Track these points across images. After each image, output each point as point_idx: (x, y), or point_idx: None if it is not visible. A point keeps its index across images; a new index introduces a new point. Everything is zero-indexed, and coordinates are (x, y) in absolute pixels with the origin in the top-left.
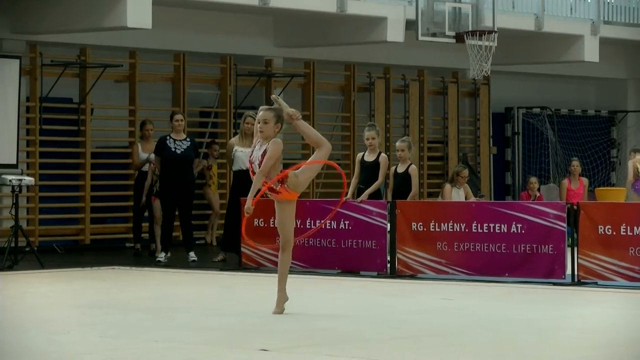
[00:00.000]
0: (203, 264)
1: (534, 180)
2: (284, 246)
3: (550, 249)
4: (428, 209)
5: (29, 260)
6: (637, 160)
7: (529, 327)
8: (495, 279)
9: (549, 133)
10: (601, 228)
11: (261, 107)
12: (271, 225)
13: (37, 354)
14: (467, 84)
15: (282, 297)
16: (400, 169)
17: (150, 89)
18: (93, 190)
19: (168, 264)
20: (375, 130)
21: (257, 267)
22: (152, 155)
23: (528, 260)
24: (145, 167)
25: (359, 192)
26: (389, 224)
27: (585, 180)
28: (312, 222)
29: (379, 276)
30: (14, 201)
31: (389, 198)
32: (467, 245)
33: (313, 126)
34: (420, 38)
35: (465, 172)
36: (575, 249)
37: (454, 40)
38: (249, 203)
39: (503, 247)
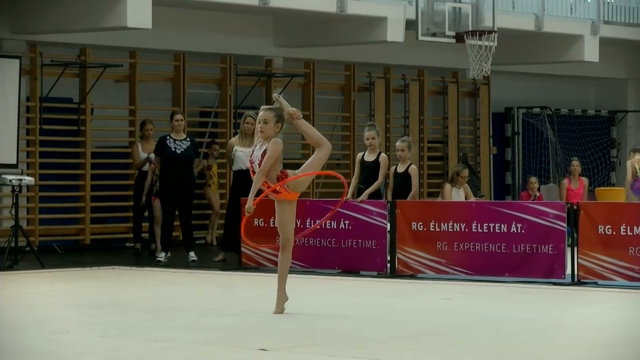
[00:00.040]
0: (203, 264)
1: (534, 180)
2: (284, 246)
3: (550, 248)
4: (428, 208)
5: (29, 260)
6: (635, 160)
7: (529, 327)
8: (495, 278)
9: (549, 133)
10: (601, 228)
11: (262, 107)
12: (271, 225)
13: (37, 354)
14: (467, 83)
15: (282, 297)
16: (400, 168)
17: (150, 89)
18: (93, 190)
19: (168, 264)
20: (375, 130)
21: (257, 267)
22: (152, 155)
23: (528, 260)
24: (145, 167)
25: (359, 192)
26: (389, 224)
27: (585, 180)
28: (312, 222)
29: (379, 276)
30: (14, 201)
31: (389, 198)
32: (467, 245)
33: (313, 126)
34: (420, 38)
35: (465, 172)
36: (575, 248)
37: (454, 40)
38: (249, 203)
39: (503, 247)
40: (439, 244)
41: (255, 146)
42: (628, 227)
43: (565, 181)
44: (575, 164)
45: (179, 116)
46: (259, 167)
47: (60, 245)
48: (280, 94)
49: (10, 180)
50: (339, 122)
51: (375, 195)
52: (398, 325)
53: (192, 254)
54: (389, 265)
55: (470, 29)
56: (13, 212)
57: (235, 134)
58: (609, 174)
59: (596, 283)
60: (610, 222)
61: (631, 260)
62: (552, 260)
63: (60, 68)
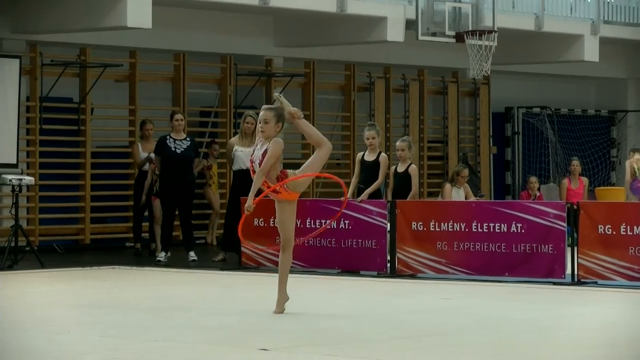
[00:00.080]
0: (203, 264)
1: (534, 179)
2: (285, 246)
3: (550, 248)
4: (428, 208)
5: (29, 260)
6: (634, 160)
7: (529, 327)
8: (495, 278)
9: (549, 133)
10: (601, 228)
11: (263, 107)
12: (271, 225)
13: (37, 354)
14: (467, 83)
15: (283, 297)
16: (400, 168)
17: (150, 89)
18: (93, 190)
19: (168, 264)
20: (375, 129)
21: (257, 267)
22: (153, 155)
23: (528, 259)
24: (146, 167)
25: (359, 191)
26: (389, 224)
27: (585, 180)
28: (312, 221)
29: (379, 276)
30: (14, 201)
31: (389, 198)
32: (467, 244)
33: (313, 126)
34: (420, 38)
35: (465, 171)
36: (575, 248)
37: (454, 40)
38: (249, 201)
39: (503, 247)
40: (439, 244)
41: (256, 146)
42: (628, 227)
43: (565, 181)
44: (575, 164)
45: (179, 116)
46: (259, 166)
47: (60, 245)
48: (280, 93)
49: (10, 180)
50: (339, 121)
51: (375, 195)
52: (398, 325)
53: (192, 253)
54: (389, 265)
55: (470, 28)
56: (13, 211)
57: (235, 133)
58: (609, 174)
59: (596, 283)
60: (611, 221)
61: (631, 260)
62: (552, 260)
63: (60, 68)
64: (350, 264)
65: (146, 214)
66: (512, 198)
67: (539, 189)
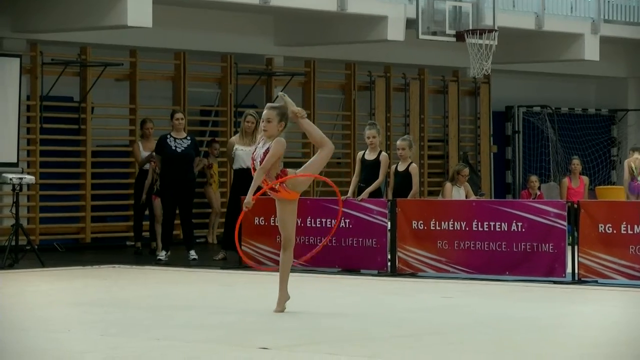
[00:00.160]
0: (203, 263)
1: (534, 178)
2: (285, 245)
3: (550, 247)
4: (428, 207)
5: (30, 259)
6: (632, 159)
7: (530, 325)
8: (496, 277)
9: (550, 131)
10: (601, 226)
11: (267, 105)
12: (271, 224)
13: (38, 353)
14: (468, 82)
15: (283, 296)
16: (401, 167)
17: (150, 88)
18: (93, 189)
19: (168, 263)
20: (375, 128)
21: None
22: (153, 153)
23: (528, 258)
24: (146, 166)
25: (359, 190)
26: (389, 223)
27: (585, 179)
28: (313, 220)
29: (379, 274)
30: (15, 200)
31: (390, 196)
32: (467, 243)
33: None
34: (421, 37)
35: (466, 170)
36: (576, 247)
37: (454, 39)
38: (249, 198)
39: (503, 246)
40: (439, 243)
41: (258, 144)
42: (628, 226)
43: (566, 180)
44: (576, 163)
45: (179, 115)
46: (260, 164)
47: (60, 243)
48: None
49: (10, 179)
50: (340, 120)
51: (376, 194)
52: (398, 323)
53: (192, 252)
54: (389, 263)
55: (470, 27)
56: (13, 210)
57: (235, 132)
58: (609, 173)
59: (596, 282)
60: (611, 220)
61: (631, 258)
62: (553, 258)
63: (61, 67)
64: (350, 262)
65: (147, 212)
66: (513, 197)
67: (539, 188)
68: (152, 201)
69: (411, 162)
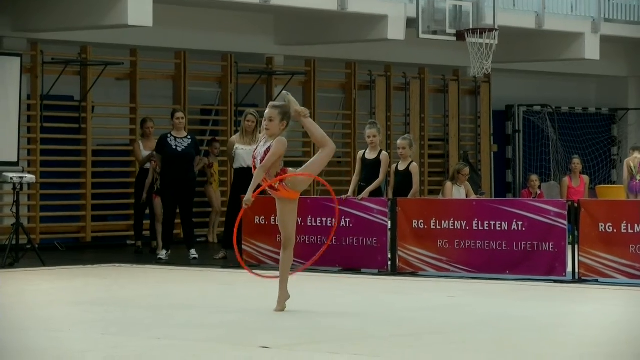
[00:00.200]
0: (204, 262)
1: (534, 178)
2: (285, 244)
3: (551, 246)
4: (429, 206)
5: (30, 258)
6: (631, 158)
7: (530, 325)
8: (496, 276)
9: (550, 131)
10: (602, 226)
11: (270, 104)
12: (272, 223)
13: (38, 352)
14: (468, 81)
15: (284, 295)
16: (401, 166)
17: (151, 87)
18: (94, 188)
19: (169, 262)
20: (376, 128)
21: (258, 265)
22: (154, 152)
23: (529, 257)
24: (147, 165)
25: (359, 189)
26: (389, 222)
27: (586, 178)
28: (313, 219)
29: (379, 274)
30: (15, 199)
31: (390, 196)
32: (467, 242)
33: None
34: (421, 36)
35: (466, 170)
36: (576, 246)
37: (454, 38)
38: (248, 195)
39: (504, 245)
40: (439, 242)
41: (260, 142)
42: (629, 225)
43: (566, 179)
44: (576, 162)
45: (179, 114)
46: (261, 163)
47: (61, 242)
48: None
49: (11, 178)
50: (340, 120)
51: (376, 193)
52: (399, 322)
53: (193, 251)
54: (389, 262)
55: (471, 26)
56: (14, 209)
57: (236, 132)
58: (609, 172)
59: (597, 281)
60: (611, 219)
61: (632, 257)
62: (553, 258)
63: (61, 66)
64: (351, 261)
65: (147, 212)
66: (513, 196)
67: (539, 187)
68: (153, 200)
69: (411, 162)
